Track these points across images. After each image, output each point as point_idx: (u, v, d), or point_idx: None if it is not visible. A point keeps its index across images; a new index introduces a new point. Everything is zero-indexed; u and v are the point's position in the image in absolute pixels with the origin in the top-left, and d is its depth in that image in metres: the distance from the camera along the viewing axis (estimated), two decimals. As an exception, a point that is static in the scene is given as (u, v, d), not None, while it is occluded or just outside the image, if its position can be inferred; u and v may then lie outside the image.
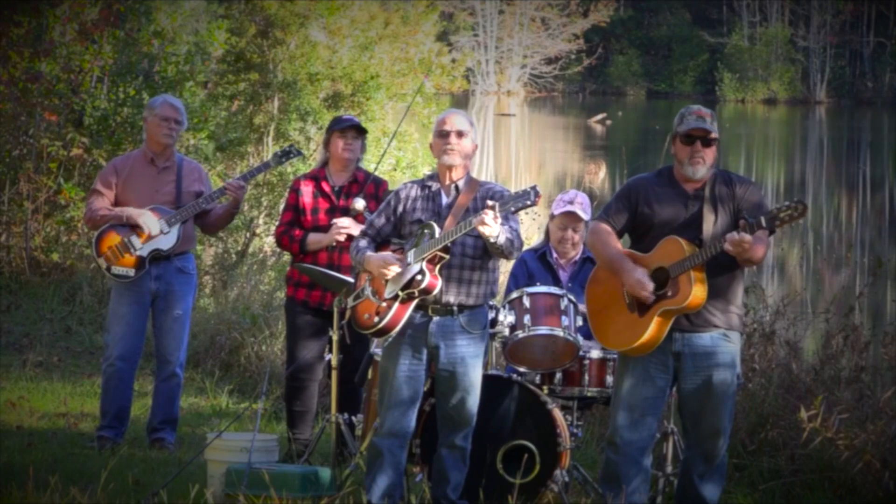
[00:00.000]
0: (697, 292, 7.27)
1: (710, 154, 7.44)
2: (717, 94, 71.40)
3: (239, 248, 15.86)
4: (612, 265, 7.46)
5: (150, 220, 9.47)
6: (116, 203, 9.58)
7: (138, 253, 9.49)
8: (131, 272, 9.50)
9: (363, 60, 16.81)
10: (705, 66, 73.95)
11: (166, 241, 9.52)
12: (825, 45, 72.98)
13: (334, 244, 9.13)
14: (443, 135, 7.79)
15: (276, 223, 10.55)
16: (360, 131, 9.30)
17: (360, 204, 9.01)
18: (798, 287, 14.35)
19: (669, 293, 7.29)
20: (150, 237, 9.47)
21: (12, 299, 14.73)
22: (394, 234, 7.87)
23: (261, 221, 16.22)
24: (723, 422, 7.45)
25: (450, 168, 7.80)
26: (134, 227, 9.48)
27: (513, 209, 7.48)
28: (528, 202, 7.44)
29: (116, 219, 9.52)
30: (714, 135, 7.41)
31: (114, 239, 9.50)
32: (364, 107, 16.53)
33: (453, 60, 24.94)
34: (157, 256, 9.51)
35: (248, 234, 16.01)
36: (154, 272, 9.53)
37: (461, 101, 57.37)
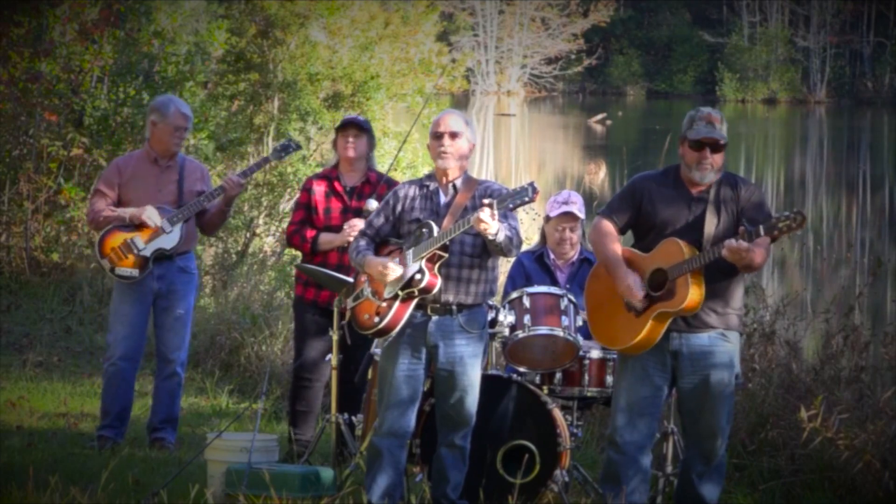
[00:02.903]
0: (694, 296, 7.27)
1: (718, 160, 7.44)
2: (717, 94, 71.33)
3: (239, 248, 15.85)
4: (608, 267, 7.49)
5: (152, 214, 9.46)
6: (119, 203, 9.57)
7: (142, 253, 9.48)
8: (135, 273, 9.49)
9: (363, 60, 16.80)
10: (705, 66, 73.88)
11: (169, 241, 9.51)
12: (825, 45, 72.91)
13: (346, 244, 9.11)
14: (437, 136, 7.78)
15: (278, 223, 10.58)
16: (361, 129, 9.28)
17: (373, 205, 8.98)
18: (798, 287, 14.34)
19: (666, 295, 7.30)
20: (154, 236, 9.46)
21: (12, 299, 14.73)
22: (392, 233, 7.86)
23: (261, 221, 16.20)
24: (721, 422, 7.45)
25: (445, 170, 7.80)
26: (137, 227, 9.48)
27: (511, 206, 7.47)
28: (527, 199, 7.43)
29: (119, 220, 9.51)
30: (723, 142, 7.42)
31: (117, 240, 9.48)
32: (364, 107, 16.51)
33: (453, 60, 24.93)
34: (161, 256, 9.51)
35: (248, 234, 16.00)
36: (157, 272, 9.52)
37: (461, 101, 57.35)
